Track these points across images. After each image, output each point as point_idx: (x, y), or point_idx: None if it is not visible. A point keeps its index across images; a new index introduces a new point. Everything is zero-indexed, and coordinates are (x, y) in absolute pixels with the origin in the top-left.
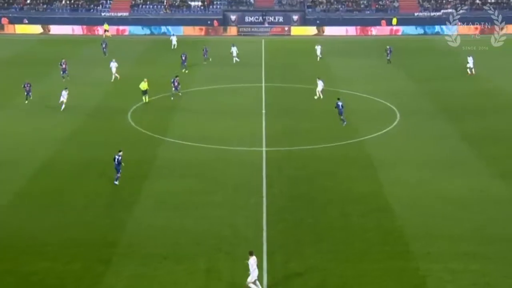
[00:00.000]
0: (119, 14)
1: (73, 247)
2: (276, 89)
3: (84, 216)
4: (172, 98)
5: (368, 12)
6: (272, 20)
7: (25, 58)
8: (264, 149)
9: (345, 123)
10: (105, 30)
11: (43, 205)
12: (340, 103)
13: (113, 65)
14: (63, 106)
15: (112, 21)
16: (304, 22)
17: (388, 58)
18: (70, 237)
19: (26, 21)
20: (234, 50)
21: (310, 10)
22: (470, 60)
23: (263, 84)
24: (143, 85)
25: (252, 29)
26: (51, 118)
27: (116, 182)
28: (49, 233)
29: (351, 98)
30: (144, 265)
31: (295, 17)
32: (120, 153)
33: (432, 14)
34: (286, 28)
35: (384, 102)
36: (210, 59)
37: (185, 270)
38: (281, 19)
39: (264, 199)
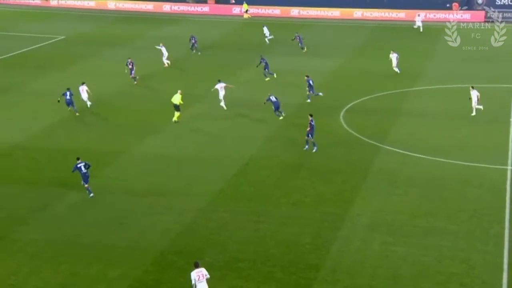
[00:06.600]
0: None
1: (267, 266)
2: None
3: (282, 231)
4: None
5: None
6: None
7: (229, 42)
8: (509, 167)
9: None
10: (246, 11)
11: (236, 213)
12: (271, 97)
13: (163, 50)
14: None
15: (327, 2)
16: None
17: None
18: (266, 254)
19: (233, 1)
20: (265, 30)
21: None
22: (394, 56)
23: None
24: (176, 98)
25: (505, 14)
26: (256, 114)
27: (92, 194)
28: (242, 247)
29: None
30: None
31: None
32: (79, 161)
33: None
34: None
35: None
36: (305, 49)
37: None
38: None
39: (507, 230)
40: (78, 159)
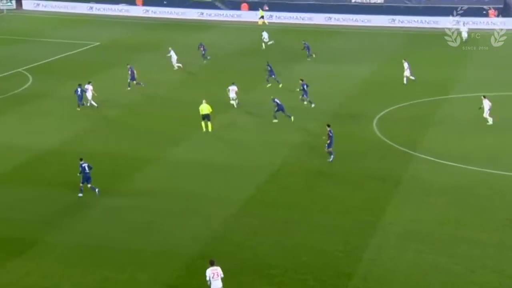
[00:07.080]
0: (372, 1)
1: (299, 273)
2: None
3: (312, 238)
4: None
5: None
6: None
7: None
8: None
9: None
10: (261, 17)
11: (267, 219)
12: (276, 100)
13: (173, 54)
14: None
15: (360, 9)
16: None
17: None
18: (297, 261)
19: (267, 8)
20: (264, 35)
21: None
22: (406, 65)
23: None
24: (205, 108)
25: None
26: (281, 120)
27: (97, 190)
28: (274, 253)
29: None
30: None
31: None
32: (83, 161)
33: None
34: None
35: None
36: (314, 55)
37: None
38: None
39: None
40: (81, 159)
